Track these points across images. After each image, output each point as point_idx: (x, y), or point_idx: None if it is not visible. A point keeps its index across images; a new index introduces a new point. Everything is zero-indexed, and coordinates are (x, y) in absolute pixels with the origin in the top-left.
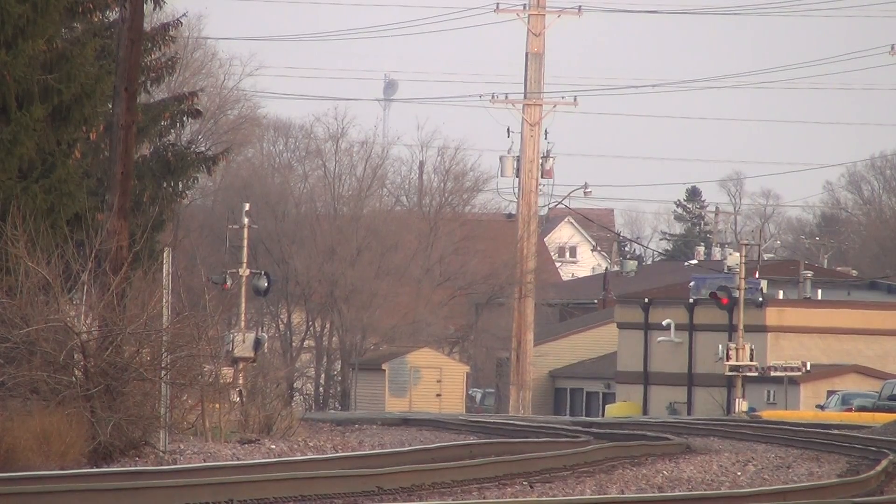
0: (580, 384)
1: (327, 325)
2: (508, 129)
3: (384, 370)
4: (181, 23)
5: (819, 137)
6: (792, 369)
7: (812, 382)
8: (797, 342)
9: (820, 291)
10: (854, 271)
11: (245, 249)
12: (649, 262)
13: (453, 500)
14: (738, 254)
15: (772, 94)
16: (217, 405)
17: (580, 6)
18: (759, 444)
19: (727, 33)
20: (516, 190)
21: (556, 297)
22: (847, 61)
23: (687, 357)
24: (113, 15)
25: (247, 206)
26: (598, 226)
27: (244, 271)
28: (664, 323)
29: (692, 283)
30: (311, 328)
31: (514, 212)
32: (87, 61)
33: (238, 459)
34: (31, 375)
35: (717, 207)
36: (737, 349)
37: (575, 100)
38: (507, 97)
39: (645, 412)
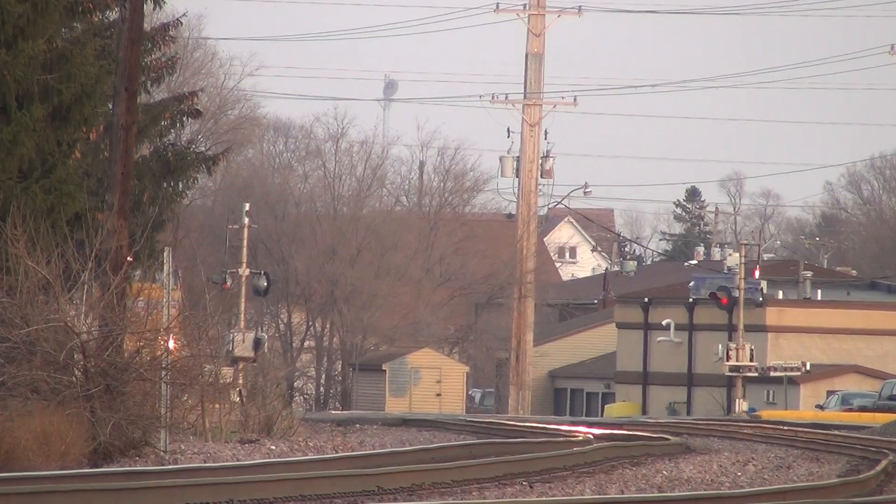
0: (580, 384)
1: (327, 326)
2: (508, 130)
3: (384, 370)
4: (181, 23)
5: (819, 137)
6: (792, 369)
7: (812, 382)
8: (797, 342)
9: (820, 291)
10: (854, 271)
11: (245, 249)
12: (649, 263)
13: (453, 500)
14: (737, 254)
15: (772, 94)
16: (217, 405)
17: (580, 6)
18: (759, 444)
19: (727, 33)
20: (516, 190)
21: (555, 297)
22: (847, 61)
23: (687, 357)
24: (113, 15)
25: (247, 206)
26: (598, 226)
27: (244, 271)
28: (664, 323)
29: (692, 283)
30: (312, 328)
31: (513, 212)
32: (87, 61)
33: (238, 460)
34: (31, 375)
35: (716, 207)
36: (737, 349)
37: (575, 100)
38: (507, 97)
39: (644, 412)
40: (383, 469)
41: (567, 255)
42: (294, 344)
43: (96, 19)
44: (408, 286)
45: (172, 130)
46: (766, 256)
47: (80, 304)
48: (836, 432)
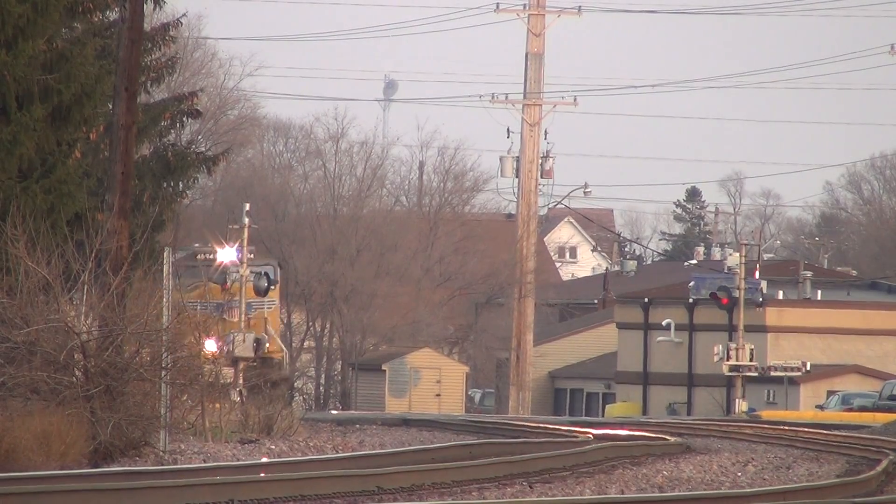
0: (580, 384)
1: (327, 326)
2: (508, 130)
3: (384, 370)
4: (181, 23)
5: (819, 137)
6: (792, 369)
7: (812, 382)
8: (797, 342)
9: (820, 291)
10: (854, 271)
11: (245, 250)
12: (649, 262)
13: (453, 500)
14: (738, 254)
15: (772, 94)
16: (217, 405)
17: (580, 6)
18: (758, 444)
19: (726, 33)
20: (516, 190)
21: (555, 297)
22: (847, 61)
23: (687, 357)
24: (113, 15)
25: (247, 206)
26: (598, 226)
27: (244, 271)
28: (664, 323)
29: (692, 283)
30: (312, 328)
31: (513, 212)
32: (87, 61)
33: (238, 460)
34: (31, 375)
35: (717, 207)
36: (737, 349)
37: (575, 100)
38: (507, 97)
39: (645, 412)
40: (383, 469)
41: (567, 255)
42: (294, 344)
43: (96, 19)
44: (407, 286)
45: (172, 130)
46: (766, 256)
47: (80, 305)
48: (836, 432)
